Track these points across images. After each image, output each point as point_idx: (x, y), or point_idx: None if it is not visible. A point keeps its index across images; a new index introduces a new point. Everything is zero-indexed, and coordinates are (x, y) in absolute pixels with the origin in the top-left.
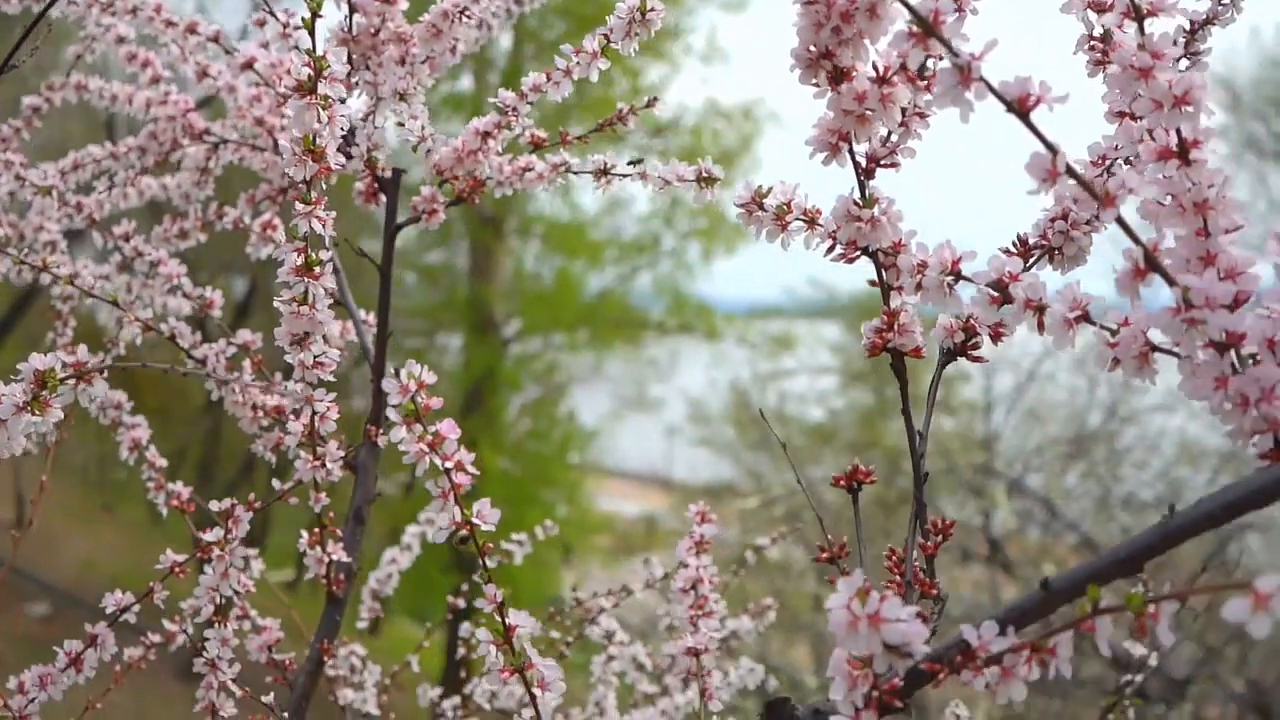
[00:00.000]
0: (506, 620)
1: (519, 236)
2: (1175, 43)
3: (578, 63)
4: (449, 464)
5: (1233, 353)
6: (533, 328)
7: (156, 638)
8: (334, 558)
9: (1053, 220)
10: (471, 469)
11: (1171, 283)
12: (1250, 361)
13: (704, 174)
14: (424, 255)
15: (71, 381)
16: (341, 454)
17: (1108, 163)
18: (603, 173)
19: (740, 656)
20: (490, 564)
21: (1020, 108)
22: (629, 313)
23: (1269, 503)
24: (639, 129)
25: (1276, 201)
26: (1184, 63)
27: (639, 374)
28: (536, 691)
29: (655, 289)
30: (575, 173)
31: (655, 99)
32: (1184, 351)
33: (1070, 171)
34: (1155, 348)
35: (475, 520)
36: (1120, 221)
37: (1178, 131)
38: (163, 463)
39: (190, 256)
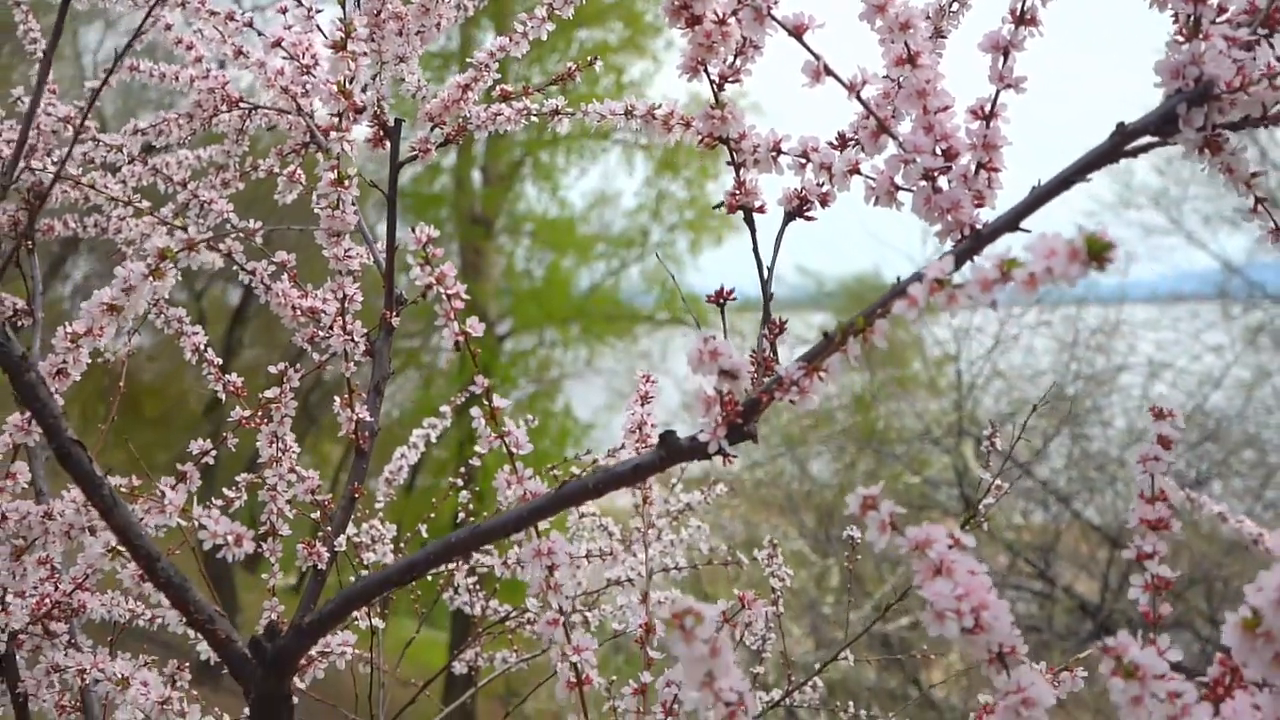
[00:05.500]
0: (494, 404)
1: (508, 235)
2: None
3: (531, 26)
4: (450, 292)
5: (944, 182)
6: (525, 324)
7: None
8: (360, 418)
9: (862, 119)
10: (464, 294)
11: (894, 138)
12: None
13: (629, 108)
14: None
15: (185, 252)
16: (365, 331)
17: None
18: (555, 113)
19: (691, 521)
20: (476, 363)
21: (797, 33)
22: (619, 306)
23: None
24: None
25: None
26: (955, 5)
27: (632, 367)
28: (515, 449)
29: (645, 282)
30: (535, 116)
31: (595, 58)
32: (907, 185)
33: (827, 70)
34: (898, 186)
35: (469, 329)
36: (862, 102)
37: (906, 45)
38: (219, 361)
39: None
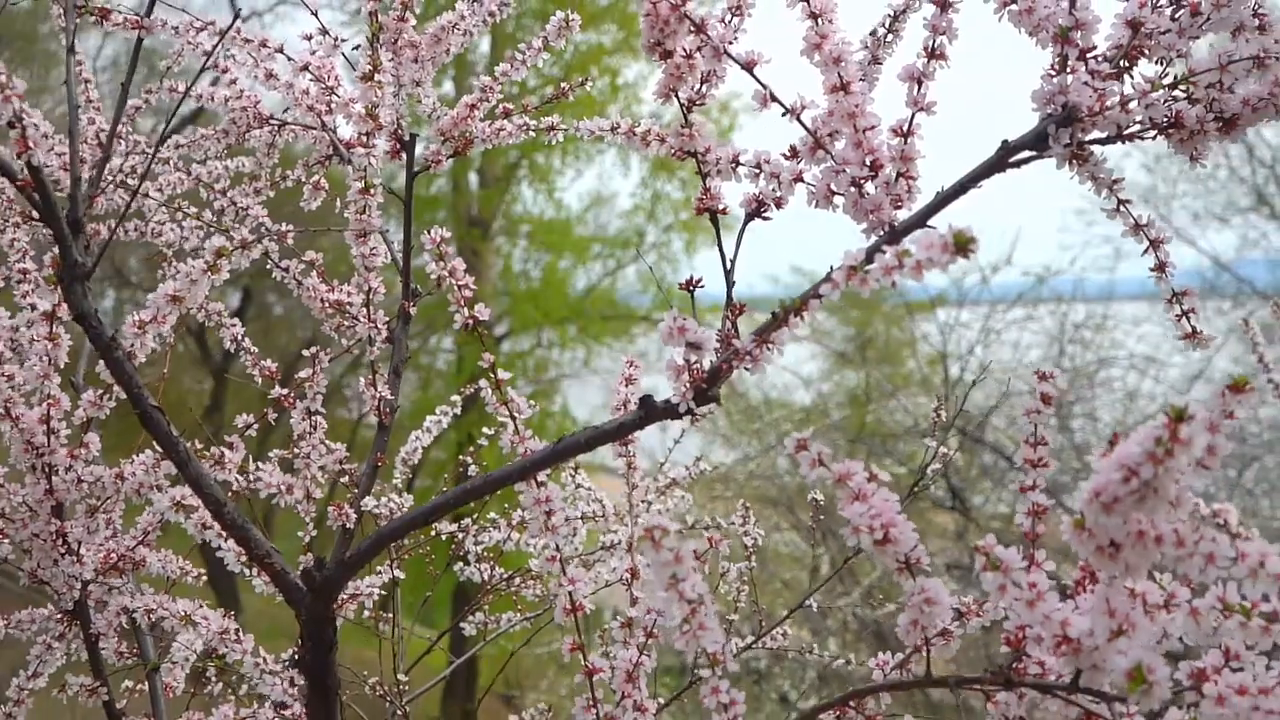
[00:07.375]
0: (498, 376)
1: (505, 236)
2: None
3: (530, 54)
4: (460, 282)
5: (870, 186)
6: (522, 325)
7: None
8: (383, 395)
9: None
10: (471, 286)
11: (827, 152)
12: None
13: (615, 125)
14: (414, 259)
15: (239, 250)
16: (387, 319)
17: None
18: (551, 128)
19: (677, 493)
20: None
21: (748, 67)
22: (616, 307)
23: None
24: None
25: (1236, 170)
26: (890, 36)
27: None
28: (516, 414)
29: (641, 282)
30: (534, 130)
31: (586, 79)
32: (839, 190)
33: (772, 97)
34: (833, 192)
35: (476, 314)
36: (801, 123)
37: (838, 74)
38: (255, 350)
39: None
